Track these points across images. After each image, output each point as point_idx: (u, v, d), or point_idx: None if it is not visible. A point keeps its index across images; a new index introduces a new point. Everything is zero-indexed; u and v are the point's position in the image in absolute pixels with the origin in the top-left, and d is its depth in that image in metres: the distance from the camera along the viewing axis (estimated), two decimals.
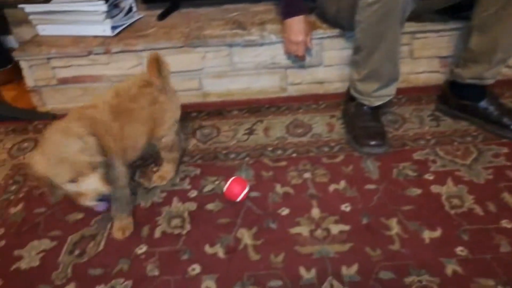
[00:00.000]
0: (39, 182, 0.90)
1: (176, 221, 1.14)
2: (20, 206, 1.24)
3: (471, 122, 1.42)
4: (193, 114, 1.63)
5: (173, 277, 0.99)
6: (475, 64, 1.35)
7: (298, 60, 1.62)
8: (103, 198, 0.91)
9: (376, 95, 1.37)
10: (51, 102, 1.71)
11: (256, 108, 1.62)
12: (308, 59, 1.62)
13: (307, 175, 1.27)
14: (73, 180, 0.88)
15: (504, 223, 1.05)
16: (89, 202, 0.92)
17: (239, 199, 1.17)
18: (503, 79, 1.61)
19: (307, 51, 1.57)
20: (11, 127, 1.64)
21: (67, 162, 0.87)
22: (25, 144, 1.54)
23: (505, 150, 1.29)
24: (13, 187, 1.32)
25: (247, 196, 1.19)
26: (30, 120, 1.67)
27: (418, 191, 1.17)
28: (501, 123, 1.34)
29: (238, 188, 1.17)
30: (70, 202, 1.21)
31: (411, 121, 1.48)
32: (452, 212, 1.09)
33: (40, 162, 0.87)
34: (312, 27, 1.52)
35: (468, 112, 1.41)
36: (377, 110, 1.43)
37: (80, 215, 1.19)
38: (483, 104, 1.37)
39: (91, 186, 0.90)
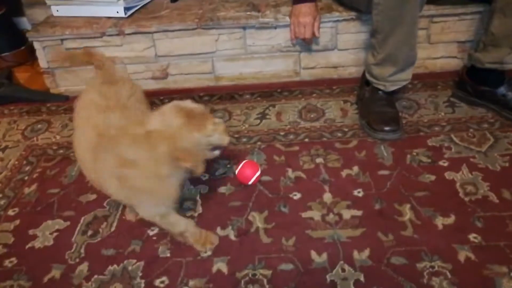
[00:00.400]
0: (189, 154, 0.87)
1: (188, 203, 1.15)
2: (34, 187, 1.26)
3: (488, 108, 1.39)
4: (205, 98, 1.62)
5: (185, 259, 1.00)
6: (496, 48, 1.31)
7: (304, 45, 1.59)
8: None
9: (391, 79, 1.35)
10: (64, 83, 1.71)
11: (268, 92, 1.61)
12: (315, 46, 1.59)
13: (319, 160, 1.26)
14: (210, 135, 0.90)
15: None
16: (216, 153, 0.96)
17: (250, 182, 1.17)
18: None
19: (314, 39, 1.55)
20: (25, 108, 1.65)
21: (208, 120, 0.90)
22: (39, 126, 1.55)
23: None
24: (27, 168, 1.34)
25: (259, 180, 1.18)
26: (43, 102, 1.68)
27: (432, 177, 1.15)
28: None
29: (250, 171, 1.17)
30: (83, 183, 1.23)
31: (426, 107, 1.45)
32: (466, 199, 1.08)
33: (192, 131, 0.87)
34: (319, 14, 1.49)
35: (485, 98, 1.38)
36: (392, 96, 1.41)
37: (93, 196, 1.20)
38: (501, 90, 1.34)
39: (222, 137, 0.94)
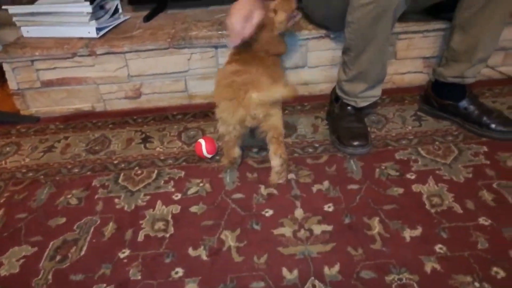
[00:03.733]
0: None
1: (159, 224, 1.14)
2: (1, 212, 1.23)
3: (452, 121, 1.44)
4: (178, 117, 1.63)
5: (156, 281, 0.99)
6: (457, 63, 1.37)
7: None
8: None
9: (362, 96, 1.39)
10: (34, 105, 1.70)
11: None
12: (286, 64, 1.62)
13: (291, 175, 1.27)
14: None
15: (482, 221, 1.06)
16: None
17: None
18: (483, 79, 1.64)
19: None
20: None
21: None
22: (7, 149, 1.52)
23: (484, 149, 1.31)
24: None
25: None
26: (13, 124, 1.66)
27: (400, 190, 1.18)
28: (480, 122, 1.36)
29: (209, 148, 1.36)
30: (52, 206, 1.22)
31: (394, 121, 1.50)
32: (433, 210, 1.11)
33: None
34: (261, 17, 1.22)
35: (449, 111, 1.43)
36: (361, 111, 1.44)
37: (62, 220, 1.18)
38: (463, 103, 1.39)
39: None
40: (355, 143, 1.33)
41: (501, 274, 0.93)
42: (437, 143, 1.36)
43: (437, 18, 1.58)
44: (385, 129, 1.46)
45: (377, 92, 1.41)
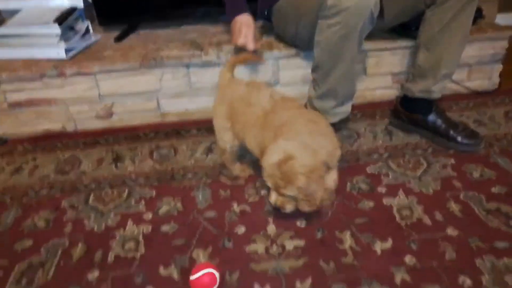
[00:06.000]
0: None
1: (130, 244, 1.12)
2: None
3: (421, 135, 1.48)
4: (150, 135, 1.62)
5: None
6: (423, 79, 1.42)
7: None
8: None
9: (333, 112, 1.41)
10: (1, 127, 1.66)
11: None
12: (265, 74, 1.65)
13: (264, 192, 1.27)
14: None
15: (450, 231, 1.08)
16: None
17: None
18: (449, 93, 1.69)
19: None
20: None
21: None
22: None
23: (452, 161, 1.35)
24: None
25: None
26: None
27: (371, 204, 1.20)
28: (448, 136, 1.40)
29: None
30: (18, 230, 1.18)
31: (365, 136, 1.52)
32: (403, 223, 1.12)
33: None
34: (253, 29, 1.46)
35: (418, 125, 1.47)
36: (332, 127, 1.46)
37: (29, 243, 1.15)
38: (431, 117, 1.43)
39: None
40: None
41: (468, 282, 0.95)
42: (407, 156, 1.39)
43: (403, 36, 1.64)
44: (357, 143, 1.48)
45: (347, 108, 1.44)
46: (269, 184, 1.07)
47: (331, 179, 1.12)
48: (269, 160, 1.03)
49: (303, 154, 1.01)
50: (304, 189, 1.01)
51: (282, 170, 1.01)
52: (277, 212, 1.14)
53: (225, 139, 1.27)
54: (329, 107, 1.40)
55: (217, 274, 0.97)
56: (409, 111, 1.49)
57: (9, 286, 1.03)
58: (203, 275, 0.95)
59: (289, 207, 1.09)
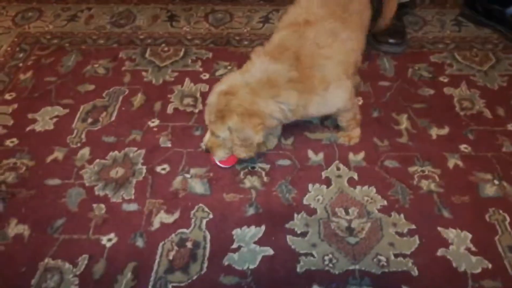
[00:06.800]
0: None
1: (188, 100, 1.15)
2: (29, 74, 1.23)
3: (495, 29, 1.37)
4: None
5: (186, 150, 1.02)
6: None
7: None
8: None
9: None
10: None
11: None
12: None
13: None
14: None
15: (510, 127, 1.07)
16: None
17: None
18: None
19: None
20: None
21: None
22: (30, 14, 1.47)
23: None
24: (21, 55, 1.29)
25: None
26: None
27: (431, 91, 1.17)
28: None
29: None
30: (80, 74, 1.22)
31: (432, 24, 1.43)
32: (462, 113, 1.11)
33: None
34: None
35: (494, 18, 1.36)
36: (400, 8, 1.36)
37: (91, 87, 1.19)
38: (511, 10, 1.31)
39: None
40: (391, 40, 1.28)
41: None
42: (475, 49, 1.31)
43: None
44: (422, 31, 1.39)
45: None
46: (205, 117, 0.90)
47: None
48: (215, 87, 0.89)
49: (247, 95, 0.84)
50: (235, 131, 0.85)
51: (219, 103, 0.86)
52: None
53: None
54: None
55: None
56: (487, 0, 1.36)
57: (76, 123, 1.09)
58: None
59: (219, 154, 0.92)
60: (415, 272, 0.80)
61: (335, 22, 0.92)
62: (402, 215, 0.88)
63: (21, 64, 1.26)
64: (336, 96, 0.90)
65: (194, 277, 0.79)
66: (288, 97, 0.86)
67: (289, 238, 0.85)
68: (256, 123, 0.85)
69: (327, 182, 0.95)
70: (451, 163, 0.99)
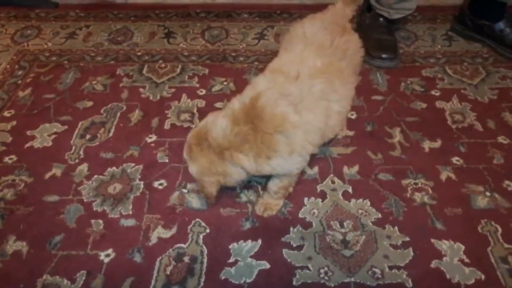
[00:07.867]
0: None
1: (185, 115, 1.17)
2: (28, 91, 1.24)
3: (484, 44, 1.41)
4: (201, 15, 1.58)
5: (183, 165, 1.03)
6: None
7: None
8: None
9: (396, 7, 1.34)
10: None
11: (267, 13, 1.58)
12: None
13: None
14: None
15: (501, 139, 1.09)
16: None
17: None
18: None
19: None
20: (13, 13, 1.59)
21: None
22: (28, 31, 1.50)
23: None
24: (20, 72, 1.31)
25: None
26: (30, 7, 1.61)
27: (423, 105, 1.19)
28: None
29: None
30: (79, 90, 1.23)
31: (423, 39, 1.46)
32: (454, 126, 1.13)
33: None
34: None
35: (483, 33, 1.39)
36: (392, 24, 1.40)
37: (89, 103, 1.20)
38: (500, 25, 1.35)
39: None
40: (384, 55, 1.31)
41: None
42: (465, 63, 1.34)
43: None
44: (414, 45, 1.43)
45: (412, 4, 1.36)
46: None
47: None
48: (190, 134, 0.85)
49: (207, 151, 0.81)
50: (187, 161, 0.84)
51: (185, 151, 0.85)
52: None
53: None
54: (394, 1, 1.33)
55: None
56: (477, 16, 1.40)
57: (75, 139, 1.10)
58: None
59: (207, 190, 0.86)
60: (409, 283, 0.81)
61: (328, 81, 0.83)
62: (396, 228, 0.90)
63: (20, 82, 1.28)
64: (295, 162, 0.83)
65: None
66: (242, 160, 0.80)
67: (285, 251, 0.86)
68: (210, 181, 0.83)
69: (322, 195, 0.97)
70: (443, 175, 1.00)
